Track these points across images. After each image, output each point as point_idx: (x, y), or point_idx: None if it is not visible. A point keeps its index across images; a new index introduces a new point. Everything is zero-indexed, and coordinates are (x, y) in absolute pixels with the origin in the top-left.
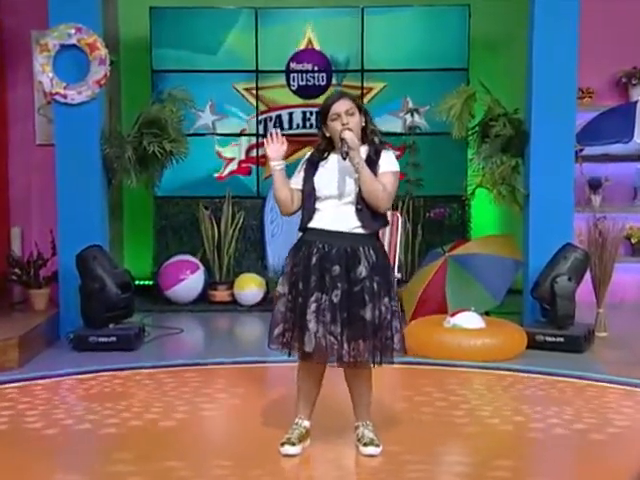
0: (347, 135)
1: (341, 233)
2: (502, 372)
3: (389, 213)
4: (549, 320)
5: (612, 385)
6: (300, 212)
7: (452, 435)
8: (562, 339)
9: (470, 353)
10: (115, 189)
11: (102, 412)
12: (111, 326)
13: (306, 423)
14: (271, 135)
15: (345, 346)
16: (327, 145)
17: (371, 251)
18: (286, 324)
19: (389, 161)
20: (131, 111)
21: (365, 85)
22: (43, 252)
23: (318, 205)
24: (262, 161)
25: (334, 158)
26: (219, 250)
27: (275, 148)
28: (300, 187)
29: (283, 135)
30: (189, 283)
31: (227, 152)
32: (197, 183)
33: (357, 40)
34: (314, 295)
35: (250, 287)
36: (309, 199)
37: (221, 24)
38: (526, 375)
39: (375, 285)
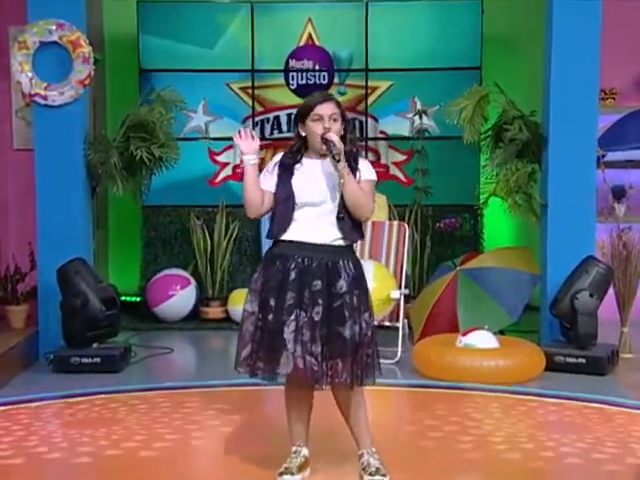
0: (334, 137)
1: (321, 246)
2: (518, 396)
3: (395, 224)
4: (569, 340)
5: (638, 411)
6: (269, 218)
7: (455, 461)
8: (583, 360)
9: (483, 375)
10: (100, 197)
11: (79, 439)
12: (95, 346)
13: (305, 451)
14: (239, 132)
15: (324, 366)
16: (301, 146)
17: (350, 264)
18: (254, 344)
19: (368, 169)
20: (117, 113)
21: (370, 84)
22: (21, 266)
23: (295, 214)
24: (261, 166)
25: (311, 162)
26: (212, 263)
27: (247, 142)
28: (272, 190)
29: (284, 138)
30: (179, 299)
31: (221, 156)
32: (188, 191)
33: (361, 36)
34: (293, 313)
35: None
36: (285, 205)
37: (214, 20)
38: (544, 399)
39: (355, 299)
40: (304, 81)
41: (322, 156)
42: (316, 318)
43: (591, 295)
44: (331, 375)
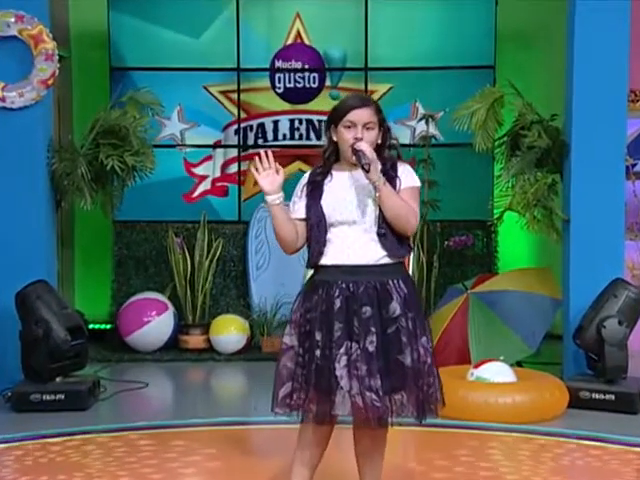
0: (364, 146)
1: (366, 267)
2: (537, 436)
3: None
4: (596, 373)
5: None
6: (306, 246)
7: None
8: (612, 397)
9: (498, 413)
10: (65, 212)
11: None
12: (58, 380)
13: None
14: (260, 157)
15: (386, 402)
16: (331, 153)
17: (401, 283)
18: (295, 383)
19: (409, 175)
20: (85, 117)
21: (368, 88)
22: None
23: (330, 235)
24: (243, 180)
25: (340, 176)
26: (192, 286)
27: (269, 179)
28: (304, 216)
29: (269, 145)
30: (155, 327)
31: (198, 168)
32: (166, 204)
33: (356, 34)
34: (343, 345)
35: (230, 331)
36: (318, 229)
37: (193, 15)
38: (567, 440)
39: (410, 323)
40: (292, 84)
41: (354, 166)
42: (371, 348)
43: (620, 322)
44: (397, 411)
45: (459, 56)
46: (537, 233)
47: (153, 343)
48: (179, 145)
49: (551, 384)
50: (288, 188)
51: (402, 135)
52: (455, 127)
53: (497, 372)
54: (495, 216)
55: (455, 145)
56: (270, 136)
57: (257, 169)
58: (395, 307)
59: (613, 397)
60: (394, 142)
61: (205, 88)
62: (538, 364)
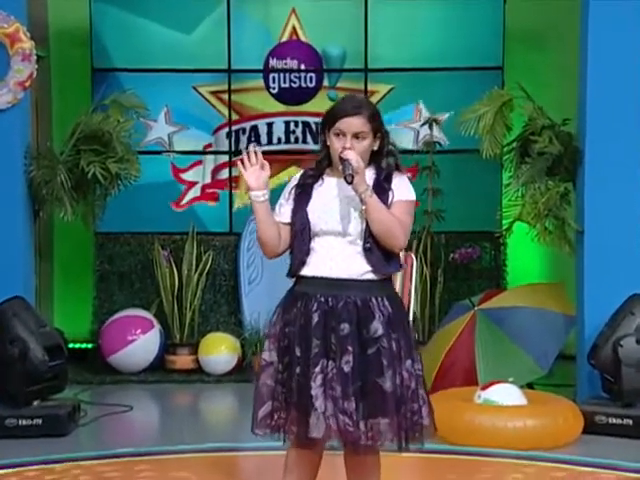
0: (351, 156)
1: (348, 281)
2: (549, 464)
3: (401, 254)
4: (612, 396)
5: None
6: (288, 253)
7: None
8: (629, 421)
9: (507, 438)
10: (44, 223)
11: None
12: (36, 404)
13: None
14: (248, 154)
15: (361, 426)
16: (326, 156)
17: (385, 301)
18: (276, 402)
19: (404, 187)
20: (65, 122)
21: (367, 88)
22: None
23: (314, 244)
24: (235, 187)
25: (330, 182)
26: (180, 302)
27: (255, 175)
28: (289, 220)
29: (262, 152)
30: (140, 346)
31: (187, 174)
32: (152, 215)
33: (356, 30)
34: (319, 363)
35: (220, 351)
36: (301, 236)
37: (186, 8)
38: (581, 468)
39: (394, 344)
40: (287, 84)
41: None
42: (346, 369)
43: (638, 341)
44: (372, 437)
45: (465, 56)
46: (549, 245)
47: (138, 363)
48: (166, 152)
49: (564, 408)
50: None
51: (405, 139)
52: (461, 132)
53: (506, 394)
54: (504, 227)
55: (461, 151)
56: (264, 139)
57: (244, 165)
58: (377, 327)
59: (631, 422)
60: (392, 149)
61: (194, 88)
62: (550, 386)
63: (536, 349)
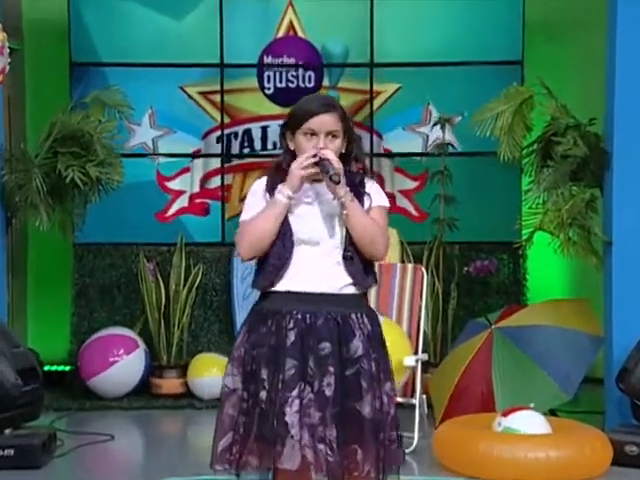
0: (330, 155)
1: (327, 295)
2: None
3: (410, 267)
4: None
5: None
6: (257, 261)
7: None
8: None
9: (529, 470)
10: (17, 233)
11: None
12: (7, 433)
13: None
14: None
15: (337, 455)
16: (289, 162)
17: (365, 318)
18: (236, 434)
19: (379, 193)
20: (41, 121)
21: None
22: None
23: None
24: (227, 197)
25: (304, 187)
26: (167, 320)
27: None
28: None
29: (257, 155)
30: (123, 368)
31: (174, 182)
32: (136, 224)
33: (360, 25)
34: (296, 387)
35: (211, 373)
36: (282, 243)
37: (169, 3)
38: None
39: (373, 365)
40: (283, 84)
41: (314, 180)
42: (327, 392)
43: None
44: (347, 465)
45: (481, 50)
46: (573, 257)
47: (120, 388)
48: (152, 154)
49: (591, 436)
50: None
51: (413, 144)
52: (476, 133)
53: (528, 422)
54: (523, 237)
55: (476, 154)
56: (258, 144)
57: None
58: (357, 345)
59: None
60: (359, 152)
61: (182, 89)
62: (575, 413)
63: (560, 372)
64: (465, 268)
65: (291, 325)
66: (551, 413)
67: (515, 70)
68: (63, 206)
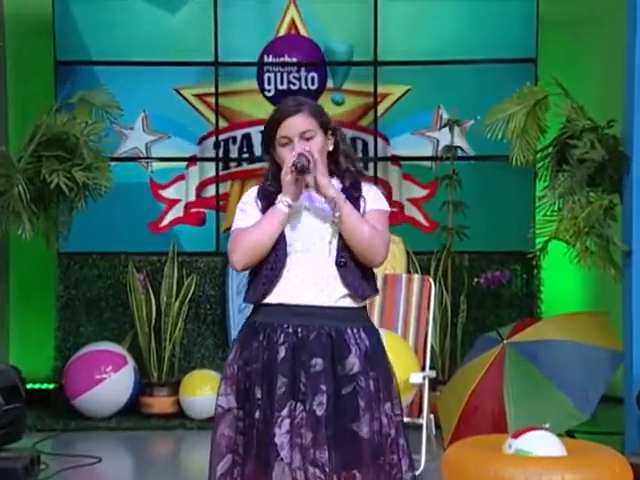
0: (299, 149)
1: (321, 308)
2: None
3: (416, 278)
4: None
5: None
6: (250, 273)
7: None
8: None
9: None
10: None
11: None
12: None
13: None
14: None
15: (334, 479)
16: (275, 173)
17: (362, 333)
18: (236, 455)
19: (377, 196)
20: (24, 123)
21: (378, 91)
22: None
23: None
24: (223, 205)
25: (305, 193)
26: (158, 335)
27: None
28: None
29: (254, 160)
30: (111, 386)
31: (168, 190)
32: (125, 232)
33: (364, 21)
34: (286, 406)
35: (205, 391)
36: (275, 253)
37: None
38: None
39: (372, 384)
40: (285, 85)
41: (306, 186)
42: (319, 412)
43: None
44: None
45: (492, 47)
46: (590, 268)
47: (108, 407)
48: (144, 159)
49: (610, 459)
50: None
51: (424, 149)
52: (487, 135)
53: (542, 444)
54: (537, 247)
55: (487, 158)
56: (258, 150)
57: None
58: (353, 362)
59: None
60: (348, 150)
61: (177, 91)
62: (593, 434)
63: (576, 390)
64: (475, 279)
65: (282, 339)
66: (567, 434)
67: (528, 69)
68: (47, 213)
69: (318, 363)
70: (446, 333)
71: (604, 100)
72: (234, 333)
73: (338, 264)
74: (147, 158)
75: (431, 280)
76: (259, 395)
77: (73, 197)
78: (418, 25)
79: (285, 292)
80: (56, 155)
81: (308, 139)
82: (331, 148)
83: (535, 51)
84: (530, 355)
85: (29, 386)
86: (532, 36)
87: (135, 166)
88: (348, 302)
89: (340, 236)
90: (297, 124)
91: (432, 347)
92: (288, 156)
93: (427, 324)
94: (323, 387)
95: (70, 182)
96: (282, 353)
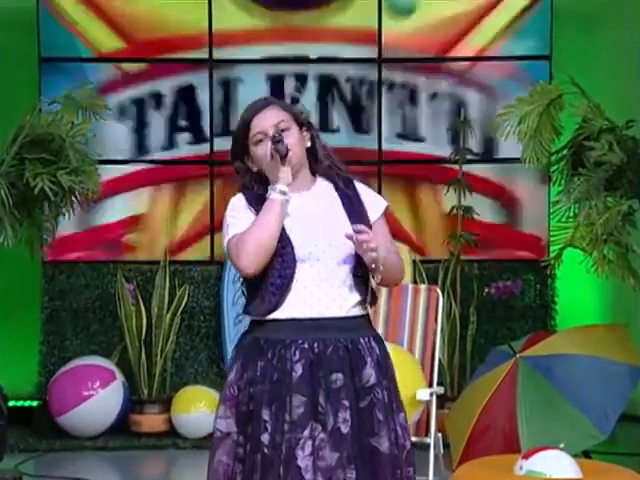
0: (272, 132)
1: (334, 320)
2: None
3: (423, 289)
4: None
5: None
6: (245, 283)
7: None
8: None
9: None
10: None
11: None
12: None
13: None
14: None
15: None
16: (254, 183)
17: (373, 342)
18: None
19: (373, 197)
20: (6, 124)
21: None
22: None
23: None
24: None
25: (296, 199)
26: (149, 348)
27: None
28: None
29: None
30: (99, 403)
31: None
32: (113, 240)
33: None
34: (307, 427)
35: (198, 409)
36: (282, 259)
37: None
38: None
39: (386, 394)
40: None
41: (304, 184)
42: (344, 429)
43: None
44: None
45: (504, 43)
46: (608, 277)
47: (95, 425)
48: (133, 161)
49: None
50: None
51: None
52: (498, 137)
53: (555, 464)
54: (552, 255)
55: (498, 161)
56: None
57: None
58: (370, 373)
59: None
60: (325, 149)
61: None
62: (611, 454)
63: (594, 408)
64: (486, 289)
65: (297, 356)
66: (584, 455)
67: (542, 67)
68: (31, 219)
69: (338, 378)
70: (455, 347)
71: (623, 99)
72: (229, 346)
73: (356, 274)
74: (136, 161)
75: (439, 290)
76: (267, 417)
77: (58, 202)
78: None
79: (295, 305)
80: (40, 157)
81: (283, 130)
82: (309, 144)
83: (549, 47)
84: (544, 370)
85: (11, 403)
86: (546, 31)
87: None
88: (358, 310)
89: (351, 239)
90: (270, 116)
91: (440, 361)
92: (265, 151)
93: (434, 337)
94: (345, 402)
95: (55, 186)
96: (299, 371)
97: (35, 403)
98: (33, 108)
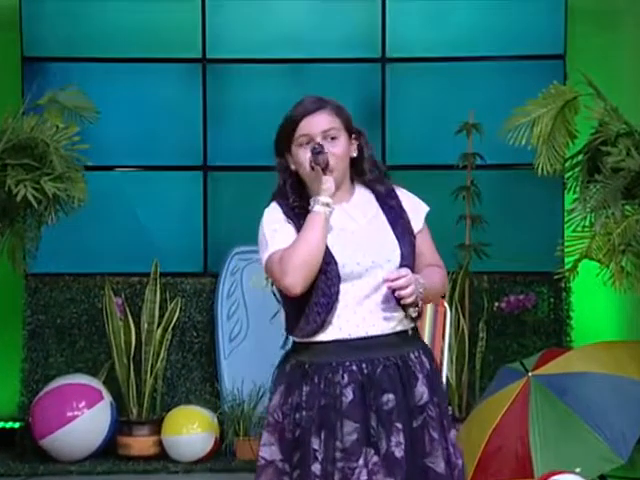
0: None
1: (382, 337)
2: None
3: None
4: None
5: None
6: (286, 303)
7: None
8: None
9: None
10: None
11: None
12: None
13: None
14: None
15: None
16: (294, 185)
17: (422, 356)
18: None
19: (414, 204)
20: None
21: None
22: None
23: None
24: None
25: (337, 211)
26: (138, 366)
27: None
28: None
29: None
30: (85, 425)
31: None
32: (102, 250)
33: (373, 13)
34: (361, 454)
35: (191, 430)
36: (326, 278)
37: None
38: None
39: (438, 411)
40: None
41: (344, 195)
42: (398, 453)
43: None
44: None
45: (514, 42)
46: (626, 291)
47: (81, 448)
48: (121, 167)
49: None
50: None
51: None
52: (509, 141)
53: None
54: (567, 267)
55: (509, 167)
56: None
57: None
58: (422, 391)
59: None
60: (374, 158)
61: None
62: (631, 479)
63: (611, 429)
64: (496, 303)
65: (346, 380)
66: (600, 479)
67: (556, 66)
68: (13, 229)
69: (390, 399)
70: (463, 364)
71: None
72: (224, 364)
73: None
74: (125, 166)
75: (446, 304)
76: (316, 446)
77: (42, 211)
78: (432, 16)
79: (339, 325)
80: (23, 163)
81: (332, 139)
82: (355, 154)
83: (564, 46)
84: (558, 389)
85: None
86: (560, 29)
87: (110, 173)
88: (404, 324)
89: (402, 254)
90: (319, 121)
91: (448, 380)
92: (307, 157)
93: (442, 354)
94: (398, 425)
95: (39, 194)
96: (350, 395)
97: (17, 425)
98: (15, 111)
